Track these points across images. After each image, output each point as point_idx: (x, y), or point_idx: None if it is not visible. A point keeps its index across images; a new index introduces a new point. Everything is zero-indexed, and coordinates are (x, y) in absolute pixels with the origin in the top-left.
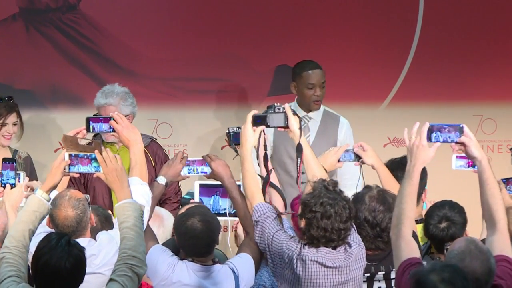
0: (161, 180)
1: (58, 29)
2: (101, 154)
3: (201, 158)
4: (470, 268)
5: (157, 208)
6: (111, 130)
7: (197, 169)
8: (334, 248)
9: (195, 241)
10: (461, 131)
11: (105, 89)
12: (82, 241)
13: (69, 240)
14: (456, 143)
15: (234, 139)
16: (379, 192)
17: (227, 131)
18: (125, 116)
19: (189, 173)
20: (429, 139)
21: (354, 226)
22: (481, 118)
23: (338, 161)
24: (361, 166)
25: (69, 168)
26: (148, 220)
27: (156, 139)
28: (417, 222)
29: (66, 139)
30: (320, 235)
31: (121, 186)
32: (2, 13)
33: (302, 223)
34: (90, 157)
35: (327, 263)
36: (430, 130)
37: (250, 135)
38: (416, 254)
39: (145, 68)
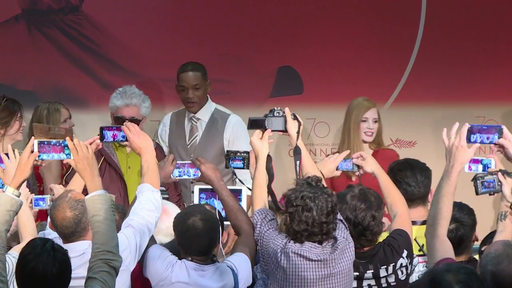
0: None
1: (61, 30)
2: (72, 140)
3: (189, 162)
4: (507, 272)
5: (164, 202)
6: (124, 138)
7: (187, 172)
8: (320, 243)
9: (196, 239)
10: (500, 132)
11: (126, 90)
12: (83, 244)
13: (53, 245)
14: (495, 144)
15: (231, 163)
16: (361, 190)
17: (225, 153)
18: (142, 116)
19: (179, 175)
20: (468, 139)
21: (345, 222)
22: (484, 119)
23: (337, 169)
24: (359, 177)
25: (39, 156)
26: (155, 226)
27: (160, 144)
28: (423, 223)
29: (36, 127)
30: (301, 229)
31: (91, 176)
32: (4, 14)
33: (288, 219)
34: (62, 144)
35: (310, 257)
36: (470, 131)
37: (260, 145)
38: (451, 254)
39: (147, 69)
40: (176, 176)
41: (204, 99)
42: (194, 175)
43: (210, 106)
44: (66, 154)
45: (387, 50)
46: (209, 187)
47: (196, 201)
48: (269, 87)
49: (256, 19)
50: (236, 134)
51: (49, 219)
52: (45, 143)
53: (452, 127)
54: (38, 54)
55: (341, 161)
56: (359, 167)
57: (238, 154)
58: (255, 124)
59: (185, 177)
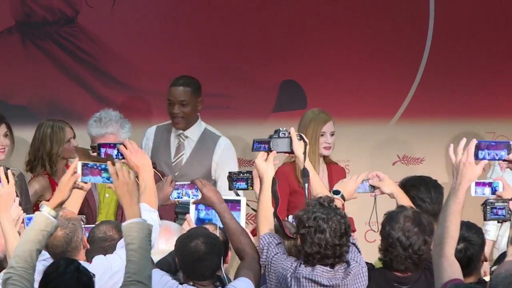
0: None
1: (56, 42)
2: (114, 165)
3: (190, 182)
4: None
5: (167, 222)
6: (120, 156)
7: (186, 193)
8: (332, 266)
9: (199, 263)
10: (509, 148)
11: (102, 117)
12: None
13: (78, 267)
14: (504, 160)
15: (235, 184)
16: (415, 213)
17: (228, 175)
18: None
19: (178, 197)
20: (476, 156)
21: (358, 245)
22: (494, 135)
23: None
24: (375, 199)
25: (82, 178)
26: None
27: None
28: None
29: (78, 150)
30: (314, 251)
31: (130, 202)
32: None
33: (298, 241)
34: (100, 167)
35: (322, 281)
36: (478, 147)
37: (265, 167)
38: (459, 275)
39: (145, 83)
40: (175, 198)
41: (193, 117)
42: (193, 196)
43: (200, 126)
44: (103, 178)
45: (394, 62)
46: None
47: (192, 214)
48: (271, 101)
49: (257, 30)
50: (225, 158)
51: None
52: (90, 166)
53: (460, 143)
54: (32, 68)
55: None
56: (375, 188)
57: (241, 174)
58: (260, 146)
59: (185, 198)
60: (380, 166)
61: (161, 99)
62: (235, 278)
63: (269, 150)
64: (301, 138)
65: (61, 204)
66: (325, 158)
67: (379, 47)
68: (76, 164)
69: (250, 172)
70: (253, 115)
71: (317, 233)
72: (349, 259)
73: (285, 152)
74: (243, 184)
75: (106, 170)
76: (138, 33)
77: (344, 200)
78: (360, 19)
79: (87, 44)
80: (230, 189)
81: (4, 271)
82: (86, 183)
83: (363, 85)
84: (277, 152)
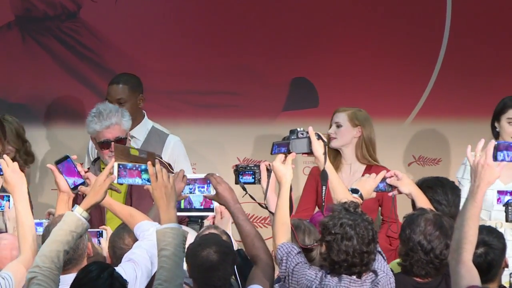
0: None
1: (57, 38)
2: (154, 166)
3: (202, 177)
4: None
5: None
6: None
7: (198, 189)
8: (359, 276)
9: (211, 273)
10: None
11: (101, 110)
12: None
13: (113, 273)
14: None
15: (241, 178)
16: (436, 216)
17: (234, 168)
18: (125, 131)
19: (190, 192)
20: (494, 157)
21: (383, 254)
22: None
23: None
24: (393, 198)
25: (117, 179)
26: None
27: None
28: None
29: (117, 148)
30: (341, 259)
31: (167, 206)
32: None
33: (323, 248)
34: (140, 169)
35: None
36: (496, 148)
37: (284, 170)
38: (477, 282)
39: (151, 81)
40: (187, 193)
41: (135, 115)
42: (206, 191)
43: (147, 124)
44: (143, 179)
45: (409, 59)
46: None
47: None
48: (282, 99)
49: (268, 26)
50: (175, 156)
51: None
52: (128, 166)
53: (478, 143)
54: (32, 64)
55: None
56: (392, 187)
57: (248, 168)
58: (279, 149)
59: (197, 193)
60: (395, 167)
61: (167, 97)
62: (247, 284)
63: (287, 152)
64: (319, 137)
65: (94, 206)
66: (361, 158)
67: (394, 44)
68: (112, 164)
69: (258, 166)
70: (262, 114)
71: (344, 240)
72: (376, 269)
73: (304, 153)
74: (249, 178)
75: (146, 171)
76: (143, 29)
77: (362, 199)
78: (375, 15)
79: (90, 40)
80: (236, 183)
81: (29, 269)
82: (121, 184)
83: (377, 83)
84: (296, 154)
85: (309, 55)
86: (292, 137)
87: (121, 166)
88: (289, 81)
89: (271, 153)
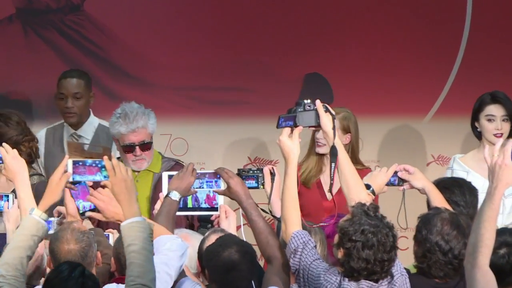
0: (175, 195)
1: (60, 32)
2: (110, 160)
3: (212, 171)
4: None
5: (185, 230)
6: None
7: (206, 183)
8: (376, 281)
9: (233, 274)
10: None
11: (127, 111)
12: None
13: (84, 271)
14: None
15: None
16: (452, 214)
17: (236, 172)
18: (151, 135)
19: (200, 186)
20: None
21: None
22: None
23: None
24: (403, 193)
25: (73, 177)
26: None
27: (182, 162)
28: None
29: (71, 145)
30: (361, 267)
31: (128, 201)
32: None
33: (340, 254)
34: (100, 165)
35: None
36: None
37: (291, 144)
38: (493, 286)
39: (158, 77)
40: (196, 188)
41: (86, 112)
42: (216, 186)
43: (93, 121)
44: (104, 176)
45: (428, 55)
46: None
47: (165, 189)
48: (294, 96)
49: (280, 20)
50: None
51: (46, 255)
52: (80, 163)
53: (496, 143)
54: (34, 59)
55: None
56: (404, 181)
57: (251, 172)
58: (287, 122)
59: (205, 188)
60: (413, 167)
61: (175, 94)
62: (264, 286)
63: (294, 126)
64: (327, 110)
65: (53, 206)
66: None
67: (413, 38)
68: (66, 161)
69: (261, 170)
70: (274, 111)
71: (365, 249)
72: (392, 270)
73: (312, 127)
74: (253, 183)
75: (105, 167)
76: (150, 22)
77: (374, 195)
78: (392, 9)
79: (95, 33)
80: None
81: None
82: (75, 182)
83: (394, 80)
84: (303, 127)
85: (323, 50)
86: (299, 110)
87: (78, 162)
88: (302, 77)
89: (277, 127)
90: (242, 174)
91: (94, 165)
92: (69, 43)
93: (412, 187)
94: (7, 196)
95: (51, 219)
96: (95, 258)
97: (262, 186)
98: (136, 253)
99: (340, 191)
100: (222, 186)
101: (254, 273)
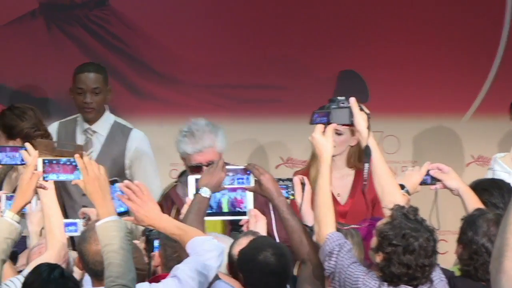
0: (205, 192)
1: (85, 27)
2: (82, 158)
3: (242, 167)
4: None
5: (212, 233)
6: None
7: (238, 179)
8: (416, 286)
9: (271, 278)
10: None
11: (193, 130)
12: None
13: (63, 272)
14: None
15: None
16: (496, 215)
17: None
18: (220, 154)
19: (230, 183)
20: None
21: None
22: None
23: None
24: (436, 192)
25: (45, 177)
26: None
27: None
28: None
29: (41, 143)
30: (402, 273)
31: (103, 199)
32: (19, 9)
33: (379, 258)
34: (74, 163)
35: None
36: None
37: (324, 141)
38: None
39: (187, 74)
40: (227, 184)
41: (103, 108)
42: (245, 182)
43: (109, 118)
44: (77, 175)
45: (467, 52)
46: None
47: (191, 194)
48: (328, 94)
49: (314, 16)
50: (139, 152)
51: (72, 255)
52: (54, 161)
53: None
54: (58, 56)
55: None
56: (437, 180)
57: (280, 181)
58: (322, 118)
59: (236, 185)
60: (452, 168)
61: (205, 91)
62: (298, 287)
63: (327, 123)
64: (361, 109)
65: (24, 207)
66: (351, 165)
67: (450, 35)
68: (35, 160)
69: (291, 180)
70: (308, 109)
71: (406, 254)
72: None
73: (345, 125)
74: (283, 193)
75: None
76: (178, 18)
77: (409, 195)
78: (429, 5)
79: (120, 29)
80: None
81: None
82: (47, 181)
83: (431, 78)
84: (337, 125)
85: (358, 46)
86: (333, 106)
87: (50, 161)
88: (336, 74)
89: (310, 123)
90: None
91: (68, 163)
92: (94, 39)
93: (445, 187)
94: None
95: (76, 221)
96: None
97: (292, 196)
98: (114, 253)
99: (353, 194)
100: (252, 182)
101: (289, 276)
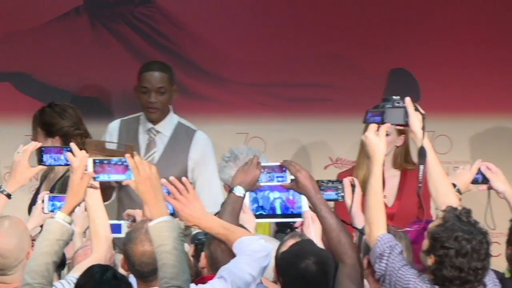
0: (239, 191)
1: (130, 25)
2: (133, 158)
3: (278, 164)
4: None
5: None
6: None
7: (276, 178)
8: None
9: (311, 287)
10: None
11: (237, 153)
12: None
13: (115, 273)
14: None
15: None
16: None
17: None
18: None
19: (268, 180)
20: None
21: None
22: None
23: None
24: (489, 192)
25: (95, 177)
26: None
27: None
28: None
29: (91, 143)
30: (454, 276)
31: (155, 199)
32: (63, 6)
33: (431, 261)
34: (125, 163)
35: None
36: None
37: (377, 141)
38: None
39: (234, 72)
40: (263, 182)
41: (167, 108)
42: (281, 180)
43: (173, 119)
44: (128, 175)
45: None
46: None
47: (247, 195)
48: (379, 93)
49: (364, 13)
50: (203, 155)
51: (117, 256)
52: (105, 161)
53: None
54: (102, 54)
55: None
56: (487, 180)
57: (330, 183)
58: (375, 117)
59: (275, 182)
60: (508, 171)
61: (251, 90)
62: (335, 287)
63: (381, 122)
64: (416, 109)
65: (75, 208)
66: (398, 165)
67: (505, 29)
68: (85, 160)
69: (341, 181)
70: (358, 108)
71: (459, 257)
72: (484, 280)
73: (399, 125)
74: (332, 194)
75: None
76: (225, 15)
77: (461, 194)
78: (483, 3)
79: (166, 27)
80: None
81: None
82: (97, 181)
83: (485, 76)
84: (391, 125)
85: (410, 44)
86: (387, 106)
87: (101, 161)
88: (387, 72)
89: (364, 122)
90: (321, 185)
91: (120, 163)
92: (140, 37)
93: (491, 187)
94: None
95: (121, 222)
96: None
97: (341, 198)
98: (167, 254)
99: (400, 196)
100: (288, 179)
101: (331, 284)
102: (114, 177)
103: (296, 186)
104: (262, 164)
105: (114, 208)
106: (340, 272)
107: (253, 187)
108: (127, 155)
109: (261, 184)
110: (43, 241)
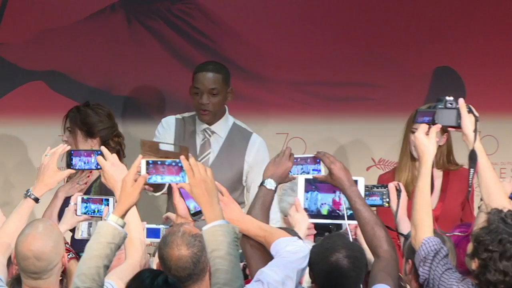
0: (270, 184)
1: (167, 22)
2: (188, 160)
3: (311, 156)
4: None
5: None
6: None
7: (308, 169)
8: None
9: (342, 281)
10: None
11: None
12: None
13: (167, 279)
14: None
15: (367, 200)
16: None
17: None
18: None
19: (302, 172)
20: None
21: None
22: None
23: None
24: None
25: (149, 178)
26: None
27: None
28: None
29: (145, 144)
30: (498, 280)
31: (210, 203)
32: (99, 3)
33: (474, 265)
34: (180, 164)
35: None
36: None
37: (427, 142)
38: None
39: (273, 71)
40: (295, 174)
41: (221, 109)
42: (314, 171)
43: (228, 120)
44: (183, 177)
45: None
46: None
47: (300, 195)
48: (423, 92)
49: (407, 10)
50: (259, 158)
51: (154, 260)
52: (158, 163)
53: None
54: (139, 51)
55: None
56: None
57: (374, 188)
58: (425, 118)
59: (306, 175)
60: None
61: (292, 89)
62: (371, 283)
63: (432, 123)
64: (470, 111)
65: (128, 211)
66: (441, 165)
67: None
68: (139, 162)
69: (385, 186)
70: (402, 107)
71: (503, 260)
72: None
73: (451, 127)
74: (377, 200)
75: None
76: (265, 12)
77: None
78: None
79: (205, 24)
80: None
81: None
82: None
83: None
84: (443, 126)
85: (455, 41)
86: (439, 106)
87: (155, 162)
88: (432, 71)
89: (413, 121)
90: (365, 190)
91: (174, 164)
92: (177, 34)
93: None
94: (107, 200)
95: (160, 226)
96: (208, 264)
97: (387, 204)
98: (221, 259)
99: (443, 198)
100: (323, 171)
101: (362, 278)
102: (167, 178)
103: (330, 178)
104: (295, 155)
105: (150, 212)
106: (375, 265)
107: (284, 180)
108: (182, 157)
109: (294, 176)
110: (94, 244)
